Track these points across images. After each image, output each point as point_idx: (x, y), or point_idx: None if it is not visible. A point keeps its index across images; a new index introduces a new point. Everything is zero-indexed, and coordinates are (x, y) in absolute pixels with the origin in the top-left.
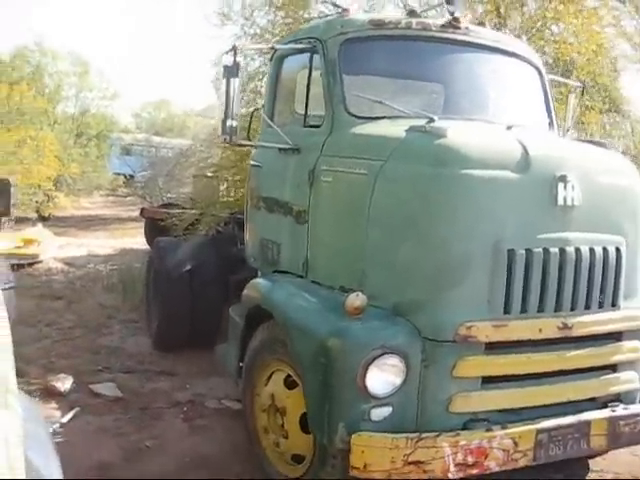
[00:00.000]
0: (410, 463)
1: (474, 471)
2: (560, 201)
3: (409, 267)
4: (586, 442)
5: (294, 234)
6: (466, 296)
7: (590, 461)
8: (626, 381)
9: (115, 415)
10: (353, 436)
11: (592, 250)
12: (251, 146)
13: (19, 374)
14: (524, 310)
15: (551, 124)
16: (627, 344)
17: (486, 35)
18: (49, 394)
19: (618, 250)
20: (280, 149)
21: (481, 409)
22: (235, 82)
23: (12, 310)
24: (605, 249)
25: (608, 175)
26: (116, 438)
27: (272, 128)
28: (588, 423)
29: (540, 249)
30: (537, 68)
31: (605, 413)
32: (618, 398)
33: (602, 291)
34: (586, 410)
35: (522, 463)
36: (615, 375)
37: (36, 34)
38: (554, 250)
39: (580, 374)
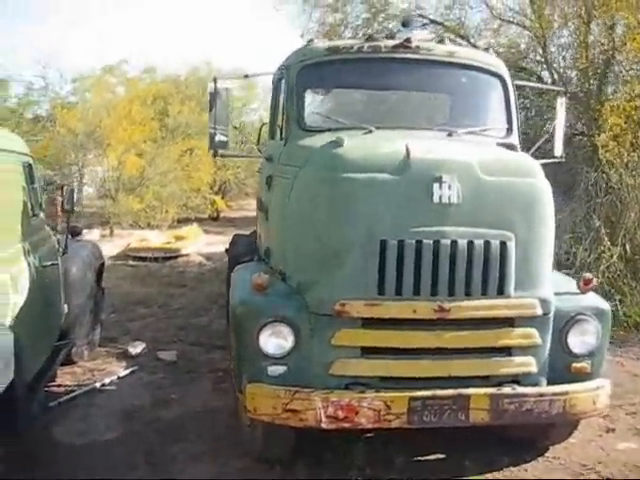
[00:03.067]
0: (288, 411)
1: (346, 424)
2: (436, 199)
3: (304, 253)
4: (465, 414)
5: (264, 228)
6: (344, 278)
7: (552, 451)
8: (520, 364)
9: (163, 374)
10: (248, 385)
11: (471, 243)
12: (232, 156)
13: (114, 340)
14: (399, 293)
15: (510, 129)
16: (519, 330)
17: (438, 51)
18: (124, 356)
19: (504, 244)
20: (266, 158)
21: (360, 374)
22: (218, 105)
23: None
24: (488, 242)
25: (500, 175)
26: (153, 390)
27: (273, 140)
28: (468, 397)
29: (413, 240)
30: (499, 77)
31: (487, 390)
32: (516, 380)
33: (485, 280)
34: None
35: (396, 424)
36: (508, 358)
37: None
38: (427, 242)
39: (467, 353)
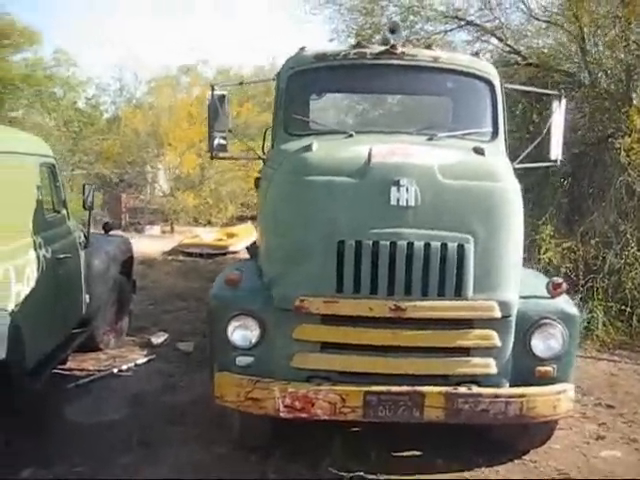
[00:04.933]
0: (249, 399)
1: (303, 415)
2: (393, 202)
3: (273, 250)
4: (419, 411)
5: (256, 227)
6: (304, 275)
7: (532, 455)
8: (478, 365)
9: (177, 364)
10: (216, 374)
11: (428, 245)
12: (230, 159)
13: (142, 330)
14: (357, 291)
15: (495, 133)
16: (477, 332)
17: (423, 57)
18: (146, 345)
19: (462, 246)
20: (262, 160)
21: (319, 368)
22: (218, 110)
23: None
24: (445, 245)
25: (460, 179)
26: (164, 378)
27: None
28: (422, 394)
29: (370, 241)
30: (487, 81)
31: (442, 388)
32: (475, 380)
33: (442, 282)
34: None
35: (352, 417)
36: (466, 359)
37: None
38: (384, 243)
39: (424, 352)
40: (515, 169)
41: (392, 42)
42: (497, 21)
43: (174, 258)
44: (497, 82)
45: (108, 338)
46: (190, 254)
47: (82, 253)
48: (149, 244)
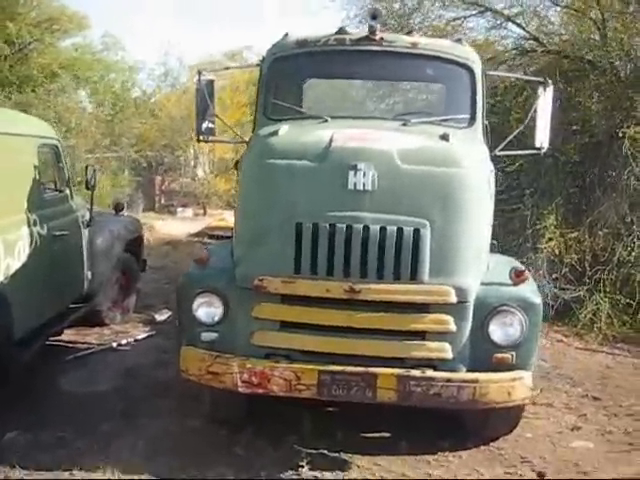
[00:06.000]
0: (209, 373)
1: (259, 390)
2: (350, 186)
3: (239, 231)
4: (372, 392)
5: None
6: (264, 256)
7: (500, 442)
8: (433, 349)
9: (176, 340)
10: (182, 348)
11: (384, 229)
12: (217, 142)
13: (150, 307)
14: (314, 272)
15: (473, 118)
16: (432, 316)
17: (401, 43)
18: (150, 322)
19: (417, 231)
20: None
21: (278, 346)
22: (205, 95)
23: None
24: (401, 229)
25: (419, 164)
26: (160, 354)
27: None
28: (375, 375)
29: (327, 224)
30: (466, 67)
31: (395, 370)
32: (431, 365)
33: (398, 266)
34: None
35: (306, 395)
36: (421, 342)
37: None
38: (341, 226)
39: (379, 334)
40: (498, 156)
41: (373, 28)
42: (518, 8)
43: (199, 240)
44: (477, 68)
45: (113, 314)
46: (214, 236)
47: (85, 231)
48: (178, 226)
